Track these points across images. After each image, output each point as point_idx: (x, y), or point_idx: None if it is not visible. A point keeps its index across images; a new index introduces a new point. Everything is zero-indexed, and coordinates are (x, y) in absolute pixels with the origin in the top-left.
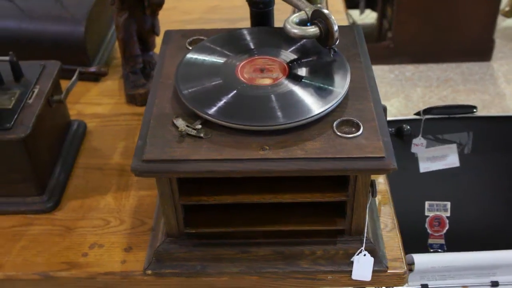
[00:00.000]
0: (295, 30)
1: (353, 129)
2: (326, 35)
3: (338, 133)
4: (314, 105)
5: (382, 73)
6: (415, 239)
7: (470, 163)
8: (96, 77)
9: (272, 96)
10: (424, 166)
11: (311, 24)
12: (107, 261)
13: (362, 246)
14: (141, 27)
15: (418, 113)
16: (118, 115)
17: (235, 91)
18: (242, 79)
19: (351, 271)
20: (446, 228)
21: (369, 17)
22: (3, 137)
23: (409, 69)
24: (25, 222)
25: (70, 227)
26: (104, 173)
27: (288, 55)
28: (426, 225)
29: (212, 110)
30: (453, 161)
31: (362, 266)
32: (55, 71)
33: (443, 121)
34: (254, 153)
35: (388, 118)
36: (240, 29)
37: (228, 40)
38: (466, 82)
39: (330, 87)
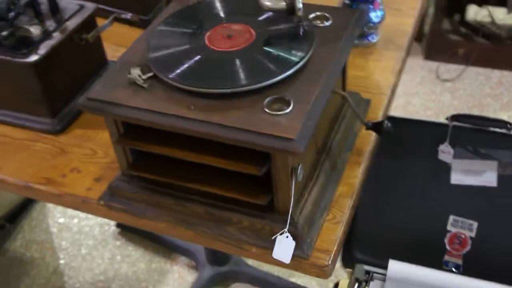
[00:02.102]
0: (266, 2)
1: (284, 108)
2: (291, 10)
3: (265, 109)
4: (252, 78)
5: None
6: (430, 252)
7: (509, 185)
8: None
9: (225, 61)
10: (456, 178)
11: None
12: (77, 186)
13: (285, 227)
14: None
15: (447, 119)
16: None
17: (192, 54)
18: (207, 44)
19: (273, 249)
20: (467, 249)
21: None
22: (17, 61)
23: None
24: (33, 138)
25: (65, 150)
26: None
27: (260, 23)
28: (446, 240)
29: (162, 66)
30: (490, 180)
31: (283, 247)
32: (89, 12)
33: (480, 134)
34: (178, 110)
35: (417, 117)
36: None
37: (206, 8)
38: None
39: (281, 62)
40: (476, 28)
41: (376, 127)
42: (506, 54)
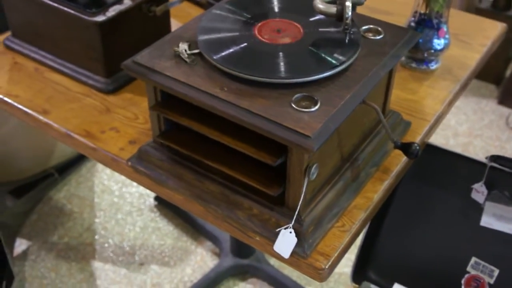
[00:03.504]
0: (320, 6)
1: (312, 106)
2: (340, 17)
3: (292, 104)
4: (288, 72)
5: None
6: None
7: None
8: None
9: (268, 53)
10: (486, 221)
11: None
12: (112, 144)
13: (291, 223)
14: None
15: (486, 158)
16: None
17: (243, 42)
18: (256, 34)
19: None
20: None
21: None
22: (86, 18)
23: None
24: (86, 92)
25: (110, 110)
26: None
27: (310, 24)
28: (463, 281)
29: (205, 44)
30: None
31: (285, 241)
32: None
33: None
34: (211, 88)
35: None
36: None
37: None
38: None
39: (320, 63)
40: None
41: (404, 147)
42: None
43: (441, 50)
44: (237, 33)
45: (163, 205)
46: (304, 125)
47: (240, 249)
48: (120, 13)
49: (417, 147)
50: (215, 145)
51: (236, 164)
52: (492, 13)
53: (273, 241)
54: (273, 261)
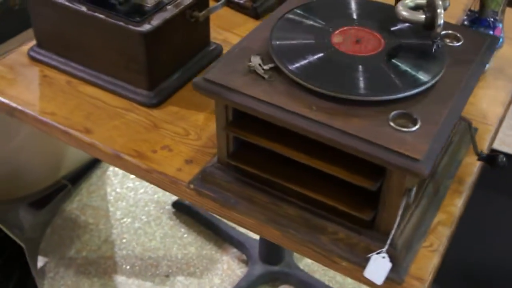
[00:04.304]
0: (403, 12)
1: (410, 125)
2: (430, 25)
3: (390, 122)
4: (381, 88)
5: None
6: None
7: None
8: (256, 15)
9: (350, 66)
10: None
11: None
12: (167, 164)
13: (384, 247)
14: None
15: None
16: None
17: (318, 52)
18: (333, 44)
19: (365, 267)
20: None
21: None
22: (130, 28)
23: None
24: (128, 107)
25: (157, 126)
26: None
27: (390, 33)
28: None
29: (286, 60)
30: None
31: (378, 267)
32: None
33: None
34: (299, 108)
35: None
36: None
37: (337, 6)
38: None
39: (412, 77)
40: None
41: (490, 159)
42: None
43: (497, 49)
44: (313, 41)
45: (182, 212)
46: (410, 147)
47: (270, 255)
48: (165, 21)
49: (504, 159)
50: (289, 165)
51: (318, 186)
52: None
53: (363, 267)
54: (302, 265)
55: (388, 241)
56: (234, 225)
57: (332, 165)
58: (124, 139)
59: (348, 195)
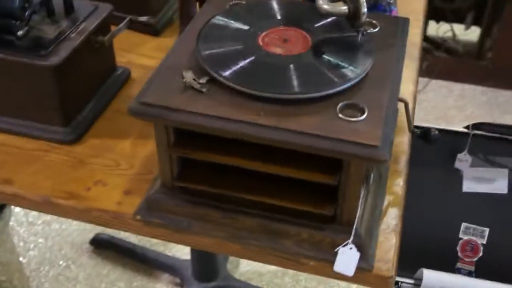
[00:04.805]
0: (325, 6)
1: (358, 114)
2: (353, 15)
3: (339, 115)
4: (323, 83)
5: (473, 94)
6: (443, 260)
7: None
8: (155, 32)
9: (285, 66)
10: (468, 186)
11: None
12: (105, 199)
13: (350, 239)
14: None
15: (467, 127)
16: None
17: (249, 56)
18: (262, 46)
19: (334, 262)
20: (479, 255)
21: (474, 34)
22: (36, 63)
23: (503, 95)
24: (45, 148)
25: (83, 162)
26: (131, 120)
27: (315, 30)
28: (458, 248)
29: (220, 69)
30: (501, 187)
31: (347, 259)
32: (105, 13)
33: (496, 141)
34: (247, 116)
35: (438, 126)
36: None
37: (260, 9)
38: None
39: (347, 68)
40: (438, 43)
41: (424, 135)
42: (465, 68)
43: None
44: (242, 47)
45: (103, 248)
46: (365, 135)
47: (204, 272)
48: (73, 50)
49: (436, 132)
50: (240, 176)
51: (273, 192)
52: None
53: (331, 262)
54: (238, 275)
55: (353, 232)
56: (161, 249)
57: (288, 167)
58: (50, 182)
59: (305, 195)
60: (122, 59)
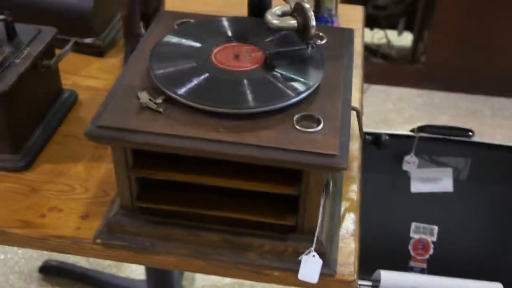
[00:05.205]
0: (274, 21)
1: (314, 125)
2: (303, 28)
3: (297, 126)
4: (278, 96)
5: (410, 96)
6: (396, 259)
7: (464, 190)
8: (99, 53)
9: (239, 81)
10: (416, 186)
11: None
12: (62, 226)
13: (312, 246)
14: (146, 7)
15: (413, 130)
16: None
17: (203, 74)
18: (215, 63)
19: (298, 271)
20: (430, 253)
21: (407, 39)
22: None
23: (438, 96)
24: None
25: (36, 189)
26: (82, 143)
27: (266, 45)
28: (410, 247)
29: (176, 88)
30: (446, 186)
31: (310, 267)
32: (50, 37)
33: (439, 142)
34: (206, 133)
35: (383, 131)
36: (222, 16)
37: (210, 26)
38: (495, 116)
39: (300, 80)
40: (374, 50)
41: (376, 141)
42: (401, 72)
43: None
44: (195, 65)
45: (53, 275)
46: (323, 145)
47: None
48: (20, 76)
49: (387, 137)
50: (201, 193)
51: (234, 206)
52: None
53: (295, 271)
54: None
55: (315, 239)
56: (114, 271)
57: (249, 181)
58: (3, 212)
59: (266, 207)
60: (67, 81)
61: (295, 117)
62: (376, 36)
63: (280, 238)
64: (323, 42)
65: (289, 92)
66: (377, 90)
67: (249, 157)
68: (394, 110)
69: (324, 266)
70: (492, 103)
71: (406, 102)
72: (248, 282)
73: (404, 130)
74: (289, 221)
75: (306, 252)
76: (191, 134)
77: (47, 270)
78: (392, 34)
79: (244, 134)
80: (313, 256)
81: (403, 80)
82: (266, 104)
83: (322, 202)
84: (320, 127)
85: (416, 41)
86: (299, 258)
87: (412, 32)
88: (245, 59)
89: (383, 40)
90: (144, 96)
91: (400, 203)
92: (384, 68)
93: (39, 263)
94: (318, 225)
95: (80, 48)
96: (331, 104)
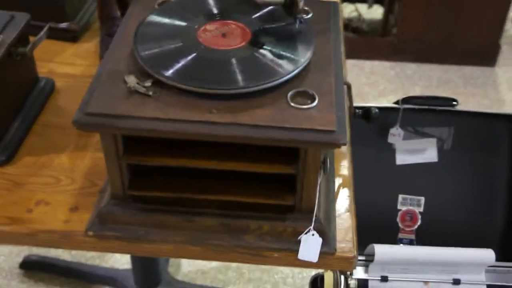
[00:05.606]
0: None
1: (308, 101)
2: (290, 3)
3: (291, 103)
4: (269, 73)
5: (383, 69)
6: (385, 232)
7: (449, 159)
8: (73, 38)
9: (228, 60)
10: (401, 158)
11: None
12: (51, 219)
13: (311, 225)
14: None
15: (397, 102)
16: (89, 77)
17: (191, 53)
18: (201, 42)
19: (298, 251)
20: (418, 223)
21: (377, 12)
22: None
23: (411, 68)
24: None
25: (20, 183)
26: (64, 133)
27: (253, 21)
28: (398, 219)
29: (164, 70)
30: (431, 156)
31: (310, 246)
32: (23, 23)
33: (423, 113)
34: (199, 115)
35: (367, 104)
36: None
37: (194, 4)
38: (467, 85)
39: (290, 57)
40: (345, 24)
41: (365, 114)
42: (373, 46)
43: None
44: (181, 45)
45: (35, 270)
46: (320, 121)
47: (147, 279)
48: None
49: (376, 111)
50: (195, 177)
51: (229, 189)
52: None
53: (295, 251)
54: (181, 277)
55: (313, 218)
56: (97, 262)
57: (246, 162)
58: None
59: (262, 188)
60: (43, 69)
61: (289, 94)
62: (347, 10)
63: (278, 218)
64: (309, 16)
65: (281, 69)
66: (350, 64)
67: (245, 137)
68: (367, 83)
69: (323, 244)
70: (463, 72)
71: (379, 75)
72: (234, 265)
73: (379, 103)
74: (287, 201)
75: (306, 231)
76: (183, 117)
77: (29, 266)
78: (362, 8)
79: (238, 114)
80: (313, 235)
81: (375, 53)
82: (259, 83)
83: (319, 180)
84: (315, 103)
85: (386, 14)
86: (298, 238)
87: (382, 4)
88: (233, 36)
89: (354, 14)
90: (131, 80)
91: (386, 176)
92: (356, 42)
93: (19, 259)
94: (316, 203)
95: (53, 34)
96: (324, 79)
